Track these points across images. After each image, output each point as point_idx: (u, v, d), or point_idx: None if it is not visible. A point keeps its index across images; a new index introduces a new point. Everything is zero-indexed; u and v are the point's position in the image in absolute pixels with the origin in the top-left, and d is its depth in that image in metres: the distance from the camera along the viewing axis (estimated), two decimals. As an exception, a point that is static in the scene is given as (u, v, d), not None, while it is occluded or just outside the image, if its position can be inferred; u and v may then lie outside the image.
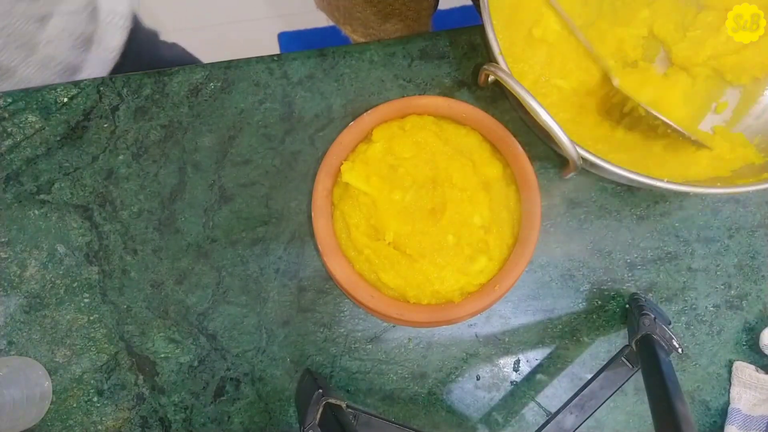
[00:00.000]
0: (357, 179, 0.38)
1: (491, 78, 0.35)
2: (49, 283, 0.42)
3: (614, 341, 0.41)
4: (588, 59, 0.41)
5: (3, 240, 0.42)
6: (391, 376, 0.41)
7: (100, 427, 0.40)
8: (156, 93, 0.44)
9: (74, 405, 0.40)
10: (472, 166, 0.38)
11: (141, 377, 0.41)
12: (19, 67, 0.45)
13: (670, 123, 0.38)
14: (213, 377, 0.41)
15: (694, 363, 0.41)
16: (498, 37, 0.35)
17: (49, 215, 0.42)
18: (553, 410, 0.37)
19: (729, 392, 0.41)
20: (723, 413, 0.41)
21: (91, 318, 0.41)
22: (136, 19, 0.55)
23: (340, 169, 0.39)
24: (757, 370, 0.41)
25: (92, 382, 0.41)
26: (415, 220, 0.37)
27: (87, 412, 0.40)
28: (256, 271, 0.42)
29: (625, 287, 0.42)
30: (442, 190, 0.37)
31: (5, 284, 0.42)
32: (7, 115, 0.43)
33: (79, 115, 0.43)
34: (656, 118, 0.38)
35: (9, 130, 0.43)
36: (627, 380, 0.37)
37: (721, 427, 0.41)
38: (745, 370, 0.41)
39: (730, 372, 0.41)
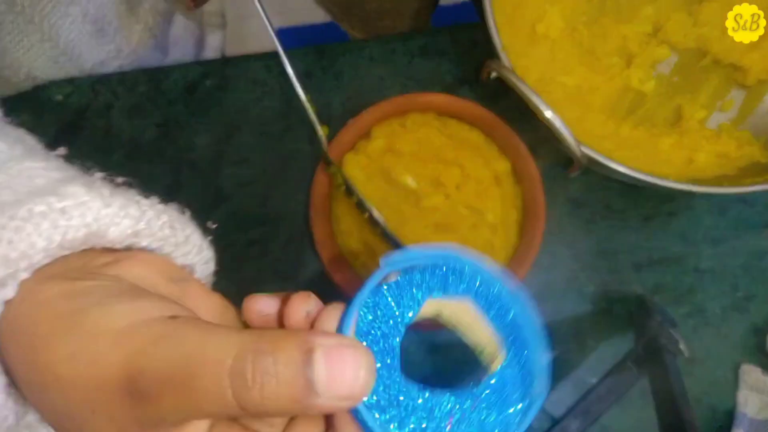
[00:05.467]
0: (359, 172, 0.37)
1: (493, 74, 0.35)
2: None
3: (620, 345, 0.41)
4: (592, 56, 0.41)
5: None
6: (392, 380, 0.40)
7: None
8: (151, 90, 0.43)
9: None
10: (482, 159, 0.38)
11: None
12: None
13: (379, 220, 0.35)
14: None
15: (700, 366, 0.41)
16: (500, 33, 0.34)
17: (41, 216, 0.42)
18: (558, 415, 0.37)
19: (736, 396, 0.40)
20: (729, 417, 0.40)
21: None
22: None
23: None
24: (764, 373, 0.40)
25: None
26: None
27: None
28: (253, 272, 0.41)
29: (631, 289, 0.41)
30: (446, 188, 0.37)
31: None
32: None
33: (73, 113, 0.43)
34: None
35: (0, 128, 0.42)
36: (633, 385, 0.36)
37: (728, 432, 0.40)
38: (752, 373, 0.40)
39: (737, 375, 0.41)
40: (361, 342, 0.18)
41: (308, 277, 0.41)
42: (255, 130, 0.43)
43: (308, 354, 0.14)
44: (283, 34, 0.33)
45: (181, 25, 0.50)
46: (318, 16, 0.67)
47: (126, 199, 0.19)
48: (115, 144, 0.42)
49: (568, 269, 0.41)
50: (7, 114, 0.24)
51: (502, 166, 0.38)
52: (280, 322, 0.19)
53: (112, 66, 0.45)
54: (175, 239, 0.21)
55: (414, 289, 0.19)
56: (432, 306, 0.20)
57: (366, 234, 0.37)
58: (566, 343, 0.41)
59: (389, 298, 0.19)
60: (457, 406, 0.18)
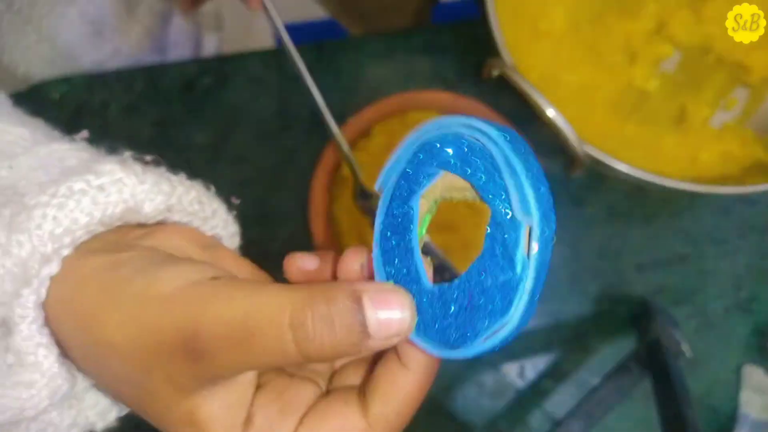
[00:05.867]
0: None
1: (495, 72, 0.35)
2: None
3: (622, 346, 0.40)
4: (596, 53, 0.41)
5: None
6: (392, 381, 0.40)
7: (91, 433, 0.39)
8: (148, 89, 0.43)
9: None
10: None
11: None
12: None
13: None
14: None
15: (703, 367, 0.41)
16: (503, 30, 0.34)
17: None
18: (560, 416, 0.36)
19: (738, 397, 0.40)
20: (732, 418, 0.40)
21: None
22: None
23: (337, 167, 0.38)
24: (767, 374, 0.40)
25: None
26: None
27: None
28: (251, 272, 0.40)
29: (633, 290, 0.41)
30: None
31: None
32: (-7, 112, 0.42)
33: (70, 112, 0.42)
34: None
35: (-5, 126, 0.42)
36: (635, 386, 0.36)
37: (731, 433, 0.40)
38: (754, 374, 0.40)
39: (739, 376, 0.40)
40: (388, 270, 0.19)
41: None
42: (253, 129, 0.42)
43: (358, 301, 0.16)
44: (281, 31, 0.32)
45: (178, 27, 0.49)
46: (317, 12, 0.67)
47: (158, 176, 0.20)
48: (111, 143, 0.42)
49: (571, 270, 0.41)
50: None
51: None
52: (320, 278, 0.20)
53: (109, 67, 0.44)
54: (203, 213, 0.22)
55: (406, 195, 0.19)
56: (425, 203, 0.20)
57: (366, 235, 0.37)
58: (568, 343, 0.41)
59: (394, 216, 0.19)
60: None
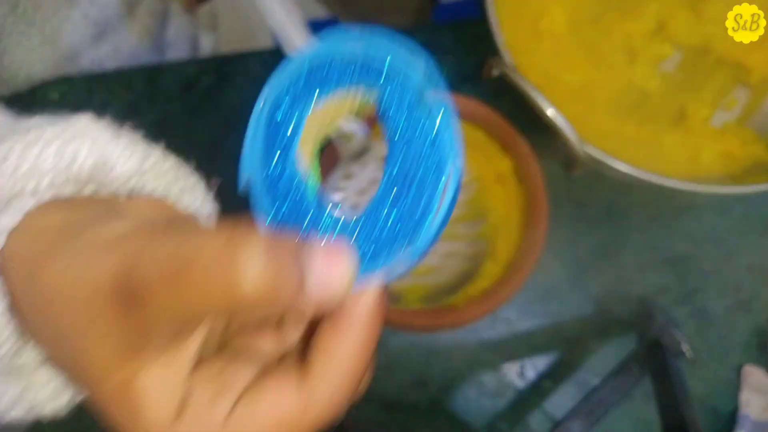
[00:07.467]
0: None
1: (496, 72, 0.35)
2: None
3: (623, 346, 0.40)
4: (596, 53, 0.41)
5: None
6: (391, 382, 0.40)
7: (91, 433, 0.39)
8: (148, 89, 0.43)
9: (64, 411, 0.39)
10: (484, 158, 0.37)
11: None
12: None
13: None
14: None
15: (703, 367, 0.41)
16: (503, 29, 0.34)
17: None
18: (560, 417, 0.36)
19: (738, 397, 0.40)
20: (732, 419, 0.40)
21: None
22: None
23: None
24: (767, 375, 0.40)
25: (83, 387, 0.40)
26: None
27: (79, 418, 0.39)
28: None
29: (633, 290, 0.41)
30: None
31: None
32: (-7, 112, 0.42)
33: (69, 112, 0.42)
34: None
35: (-5, 127, 0.42)
36: (635, 386, 0.36)
37: (731, 433, 0.40)
38: (754, 375, 0.40)
39: (739, 376, 0.40)
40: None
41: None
42: (253, 129, 0.42)
43: (301, 246, 0.15)
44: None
45: (176, 27, 0.49)
46: (317, 11, 0.67)
47: (133, 138, 0.19)
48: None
49: (571, 270, 0.41)
50: None
51: (505, 165, 0.38)
52: None
53: (109, 67, 0.44)
54: (182, 183, 0.21)
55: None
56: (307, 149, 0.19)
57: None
58: (568, 343, 0.41)
59: (277, 177, 0.19)
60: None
